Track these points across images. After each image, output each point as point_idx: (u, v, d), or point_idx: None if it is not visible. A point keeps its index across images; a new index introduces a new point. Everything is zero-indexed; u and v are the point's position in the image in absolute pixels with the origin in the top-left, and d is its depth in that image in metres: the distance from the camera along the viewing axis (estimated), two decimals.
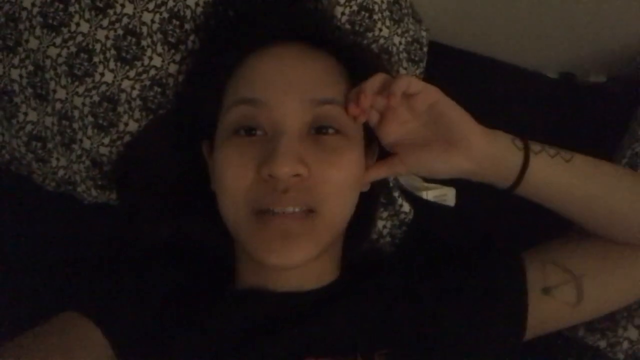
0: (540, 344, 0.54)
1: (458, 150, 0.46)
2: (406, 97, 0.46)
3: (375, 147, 0.53)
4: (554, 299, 0.51)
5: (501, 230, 0.60)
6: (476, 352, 0.49)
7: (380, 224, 0.63)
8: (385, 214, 0.63)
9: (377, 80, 0.46)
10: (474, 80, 0.69)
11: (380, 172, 0.50)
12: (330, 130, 0.47)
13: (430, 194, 0.64)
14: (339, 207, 0.47)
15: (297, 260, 0.45)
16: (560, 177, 0.48)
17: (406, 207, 0.63)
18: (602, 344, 0.59)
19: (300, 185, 0.45)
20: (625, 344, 0.58)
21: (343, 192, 0.47)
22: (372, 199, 0.58)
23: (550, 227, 0.53)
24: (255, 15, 0.52)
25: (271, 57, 0.49)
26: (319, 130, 0.47)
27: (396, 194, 0.63)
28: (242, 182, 0.46)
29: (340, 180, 0.46)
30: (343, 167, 0.47)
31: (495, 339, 0.51)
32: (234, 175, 0.46)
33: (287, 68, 0.48)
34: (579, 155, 0.49)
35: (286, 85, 0.46)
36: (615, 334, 0.58)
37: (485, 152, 0.47)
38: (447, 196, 0.64)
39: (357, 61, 0.52)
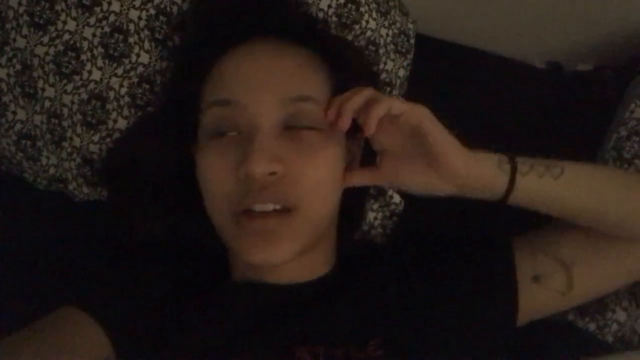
0: (530, 328, 0.55)
1: (438, 172, 0.46)
2: (390, 116, 0.45)
3: (361, 137, 0.52)
4: (544, 287, 0.52)
5: (491, 218, 0.61)
6: (469, 340, 0.50)
7: (371, 215, 0.63)
8: (375, 205, 0.64)
9: (357, 99, 0.44)
10: (461, 72, 0.69)
11: (361, 179, 0.50)
12: (306, 127, 0.47)
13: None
14: (318, 203, 0.47)
15: (280, 258, 0.45)
16: (549, 194, 0.48)
17: (396, 198, 0.64)
18: (592, 326, 0.60)
19: (277, 183, 0.45)
20: (614, 326, 0.59)
21: (321, 187, 0.47)
22: (361, 191, 0.59)
23: (540, 215, 0.54)
24: (228, 13, 0.52)
25: (245, 55, 0.48)
26: (295, 127, 0.47)
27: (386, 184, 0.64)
28: (224, 185, 0.46)
29: (317, 176, 0.46)
30: (319, 163, 0.47)
31: (487, 326, 0.52)
32: (215, 180, 0.47)
33: (260, 66, 0.48)
34: (570, 167, 0.48)
35: (260, 84, 0.46)
36: (604, 316, 0.59)
37: (468, 177, 0.46)
38: None
39: (337, 55, 0.52)
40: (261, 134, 0.45)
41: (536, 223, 0.55)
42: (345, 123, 0.44)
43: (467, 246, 0.56)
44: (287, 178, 0.45)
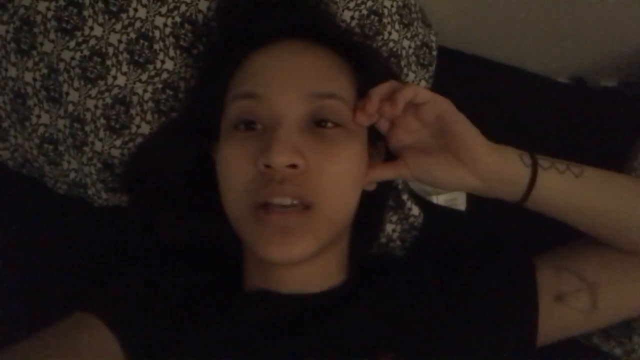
0: (554, 350, 0.53)
1: (463, 164, 0.46)
2: (414, 106, 0.45)
3: (382, 146, 0.53)
4: (568, 306, 0.50)
5: (513, 234, 0.60)
6: (486, 358, 0.49)
7: (389, 227, 0.63)
8: (394, 218, 0.63)
9: (385, 86, 0.46)
10: (484, 85, 0.69)
11: (384, 173, 0.50)
12: (330, 124, 0.47)
13: (441, 198, 0.64)
14: (337, 201, 0.46)
15: (296, 255, 0.44)
16: (571, 193, 0.47)
17: (415, 210, 0.63)
18: (618, 351, 0.58)
19: (298, 178, 0.44)
20: None
21: (341, 185, 0.46)
22: (379, 200, 0.58)
23: (563, 231, 0.53)
24: (257, 13, 0.53)
25: (272, 53, 0.49)
26: (318, 123, 0.47)
27: (405, 197, 0.63)
28: (243, 176, 0.45)
29: (338, 173, 0.46)
30: (341, 160, 0.46)
31: (505, 344, 0.50)
32: (235, 170, 0.46)
33: (287, 63, 0.48)
34: (590, 169, 0.48)
35: (286, 79, 0.46)
36: (631, 341, 0.57)
37: (491, 168, 0.46)
38: (457, 200, 0.64)
39: (361, 58, 0.52)
40: (284, 126, 0.45)
41: (559, 239, 0.54)
42: (372, 107, 0.44)
43: (487, 262, 0.55)
44: (307, 174, 0.45)
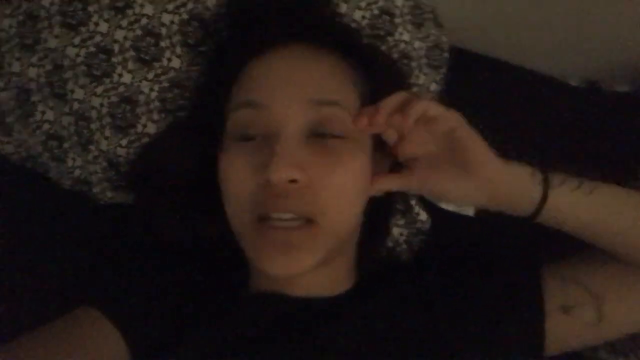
0: None
1: (471, 179, 0.45)
2: (425, 120, 0.44)
3: (388, 156, 0.52)
4: (574, 318, 0.50)
5: (521, 241, 0.59)
6: None
7: (396, 231, 0.62)
8: (402, 222, 0.62)
9: (396, 98, 0.44)
10: (496, 88, 0.68)
11: (390, 184, 0.49)
12: (333, 134, 0.46)
13: (450, 203, 0.63)
14: (341, 216, 0.46)
15: (297, 271, 0.44)
16: (582, 211, 0.47)
17: (423, 215, 0.62)
18: None
19: (299, 192, 0.44)
20: None
21: (344, 198, 0.46)
22: (386, 205, 0.58)
23: (573, 240, 0.52)
24: (260, 18, 0.51)
25: (274, 59, 0.48)
26: (321, 134, 0.46)
27: (413, 201, 0.62)
28: (245, 188, 0.45)
29: (340, 186, 0.45)
30: (344, 173, 0.45)
31: (511, 353, 0.50)
32: (236, 182, 0.46)
33: (288, 69, 0.47)
34: (603, 186, 0.48)
35: (286, 86, 0.46)
36: (637, 354, 0.57)
37: (500, 185, 0.45)
38: (466, 206, 0.63)
39: (368, 61, 0.51)
40: (284, 139, 0.44)
41: (568, 248, 0.54)
42: (381, 119, 0.42)
43: (495, 269, 0.55)
44: (310, 188, 0.44)
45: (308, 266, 0.44)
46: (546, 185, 0.46)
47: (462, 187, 0.46)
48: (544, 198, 0.46)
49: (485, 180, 0.45)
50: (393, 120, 0.43)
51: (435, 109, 0.43)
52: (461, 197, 0.47)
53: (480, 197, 0.46)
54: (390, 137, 0.48)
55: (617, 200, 0.48)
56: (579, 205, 0.47)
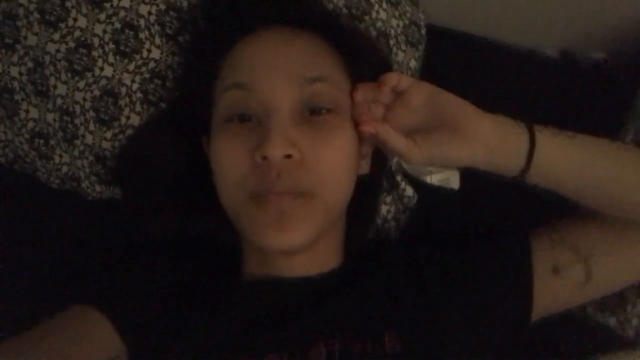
0: (548, 322, 0.54)
1: (466, 134, 0.46)
2: (400, 96, 0.46)
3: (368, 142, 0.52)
4: (563, 279, 0.51)
5: (507, 212, 0.60)
6: (484, 333, 0.50)
7: (384, 208, 0.63)
8: (389, 199, 0.63)
9: (367, 87, 0.48)
10: (473, 62, 0.68)
11: (397, 141, 0.47)
12: (324, 110, 0.47)
13: (434, 178, 0.63)
14: (334, 188, 0.47)
15: (295, 242, 0.45)
16: (569, 156, 0.47)
17: (409, 191, 0.63)
18: (612, 321, 0.59)
19: (294, 168, 0.44)
20: (635, 321, 0.58)
21: (337, 172, 0.47)
22: (373, 183, 0.58)
23: (557, 208, 0.53)
24: (240, 3, 0.52)
25: (257, 41, 0.49)
26: (312, 111, 0.47)
27: (399, 178, 0.63)
28: (239, 168, 0.46)
29: (333, 159, 0.46)
30: (336, 146, 0.46)
31: (502, 318, 0.51)
32: (230, 163, 0.46)
33: (273, 50, 0.47)
34: (582, 135, 0.49)
35: (272, 67, 0.46)
36: (624, 310, 0.58)
37: (492, 133, 0.46)
38: (450, 180, 0.64)
39: (349, 41, 0.52)
40: (277, 116, 0.45)
41: (551, 215, 0.55)
42: (359, 96, 0.47)
43: (482, 239, 0.55)
44: (303, 163, 0.45)
45: (304, 238, 0.45)
46: (531, 129, 0.47)
47: (460, 145, 0.46)
48: (533, 141, 0.46)
49: (475, 131, 0.46)
50: (375, 110, 0.46)
51: (406, 80, 0.46)
52: (462, 156, 0.47)
53: (479, 150, 0.46)
54: (377, 114, 0.49)
55: (599, 145, 0.49)
56: (566, 149, 0.47)
